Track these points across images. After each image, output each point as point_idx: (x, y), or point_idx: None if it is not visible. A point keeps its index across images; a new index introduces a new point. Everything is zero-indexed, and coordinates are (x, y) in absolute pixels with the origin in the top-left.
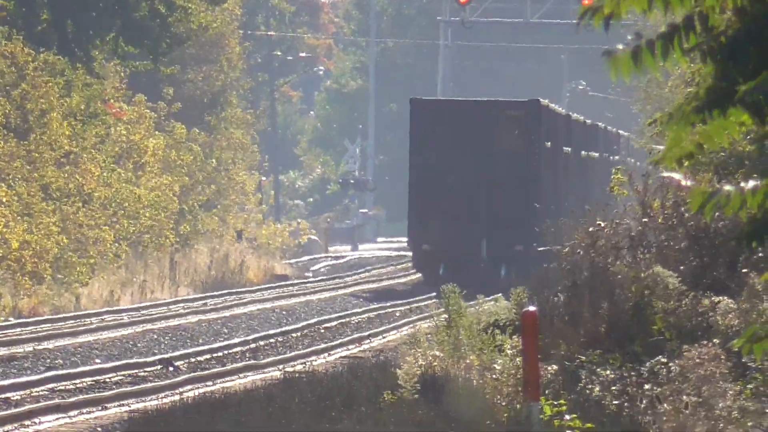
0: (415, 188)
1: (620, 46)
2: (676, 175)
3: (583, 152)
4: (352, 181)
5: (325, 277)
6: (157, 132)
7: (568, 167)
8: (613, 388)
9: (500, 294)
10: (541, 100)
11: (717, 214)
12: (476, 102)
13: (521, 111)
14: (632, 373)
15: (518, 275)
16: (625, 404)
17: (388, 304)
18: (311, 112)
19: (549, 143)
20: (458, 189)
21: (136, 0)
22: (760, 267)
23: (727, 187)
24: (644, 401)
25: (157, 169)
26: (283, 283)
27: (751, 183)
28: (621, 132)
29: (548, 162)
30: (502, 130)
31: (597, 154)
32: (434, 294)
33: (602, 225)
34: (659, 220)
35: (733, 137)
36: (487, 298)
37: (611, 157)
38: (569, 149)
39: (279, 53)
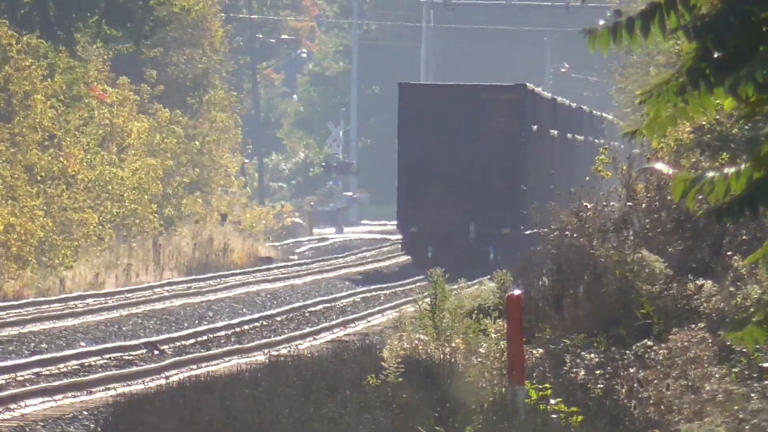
0: (403, 172)
1: (601, 22)
2: (660, 165)
3: (568, 135)
4: (335, 164)
5: (309, 260)
6: (140, 115)
7: (554, 150)
8: (598, 371)
9: (488, 277)
10: (528, 84)
11: (700, 197)
12: (464, 86)
13: (508, 95)
14: (617, 357)
15: (506, 258)
16: (611, 388)
17: (374, 287)
18: (294, 95)
19: (536, 127)
20: (446, 172)
21: None
22: (744, 249)
23: (711, 173)
24: (629, 385)
25: (140, 151)
26: (267, 266)
27: (734, 167)
28: (604, 115)
29: (535, 145)
30: (489, 114)
31: (582, 137)
32: (420, 277)
33: (587, 208)
34: (643, 204)
35: (708, 114)
36: (470, 282)
37: (596, 140)
38: (555, 132)
39: (261, 36)
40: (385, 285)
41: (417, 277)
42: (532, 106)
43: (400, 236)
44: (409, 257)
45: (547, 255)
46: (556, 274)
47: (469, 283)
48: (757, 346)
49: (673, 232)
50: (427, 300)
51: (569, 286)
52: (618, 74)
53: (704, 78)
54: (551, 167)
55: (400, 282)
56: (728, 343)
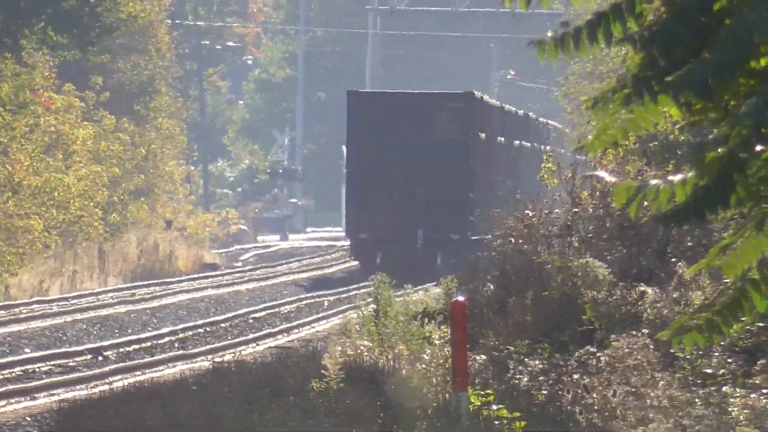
0: (352, 178)
1: (549, 34)
2: (603, 174)
3: (516, 142)
4: (280, 171)
5: (254, 267)
6: (86, 122)
7: (502, 157)
8: (541, 378)
9: (434, 283)
10: (476, 92)
11: (645, 203)
12: (412, 94)
13: (457, 103)
14: (561, 363)
15: (455, 263)
16: (555, 394)
17: (318, 293)
18: (240, 102)
19: (484, 134)
20: (395, 179)
21: None
22: (688, 256)
23: (655, 181)
24: (574, 391)
25: (86, 159)
26: (212, 272)
27: (679, 176)
28: (550, 122)
29: (483, 152)
30: (438, 121)
31: (529, 144)
32: (366, 283)
33: (531, 215)
34: (589, 210)
35: (658, 124)
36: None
37: (543, 147)
38: (503, 139)
39: (207, 42)
40: (330, 291)
41: (362, 284)
42: (481, 114)
43: (346, 243)
44: (355, 263)
45: (491, 261)
46: (500, 280)
47: (415, 288)
48: (699, 352)
49: (617, 239)
50: (372, 306)
51: (513, 292)
52: (563, 80)
53: (649, 87)
54: (499, 174)
55: (345, 288)
56: (671, 350)
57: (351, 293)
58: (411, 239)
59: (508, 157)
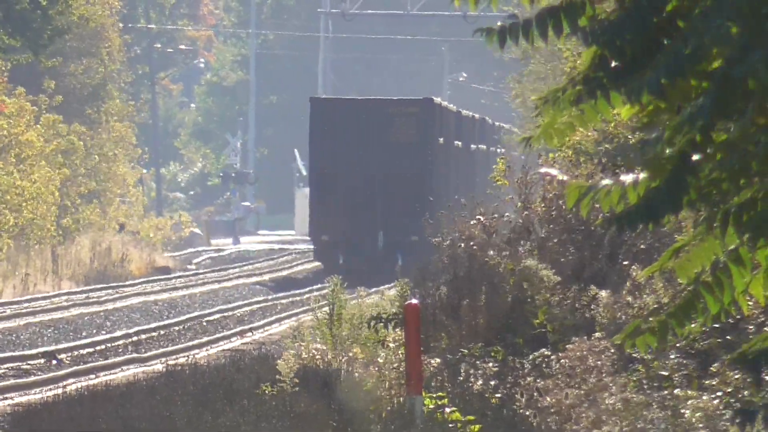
0: (314, 182)
1: (499, 23)
2: (553, 171)
3: (472, 146)
4: (233, 174)
5: (207, 270)
6: (37, 126)
7: (458, 160)
8: (495, 381)
9: (394, 283)
10: (434, 98)
11: (597, 205)
12: (372, 100)
13: (416, 108)
14: (517, 366)
15: (414, 264)
16: (509, 397)
17: (271, 297)
18: (192, 105)
19: (442, 139)
20: (356, 183)
21: None
22: (641, 258)
23: (606, 181)
24: (527, 394)
25: (38, 161)
26: (165, 276)
27: (631, 176)
28: (503, 124)
29: (441, 156)
30: (397, 126)
31: (485, 147)
32: (319, 286)
33: (481, 218)
34: (539, 211)
35: (607, 121)
36: (375, 288)
37: (498, 150)
38: (459, 143)
39: (159, 46)
40: (282, 294)
41: (316, 286)
42: (439, 119)
43: (299, 246)
44: (310, 266)
45: (441, 264)
46: (451, 283)
47: (373, 290)
48: (654, 354)
49: (569, 241)
50: (325, 309)
51: (465, 295)
52: (515, 82)
53: (601, 86)
54: (456, 177)
55: (298, 291)
56: (627, 352)
57: (304, 296)
58: (372, 241)
59: (466, 160)
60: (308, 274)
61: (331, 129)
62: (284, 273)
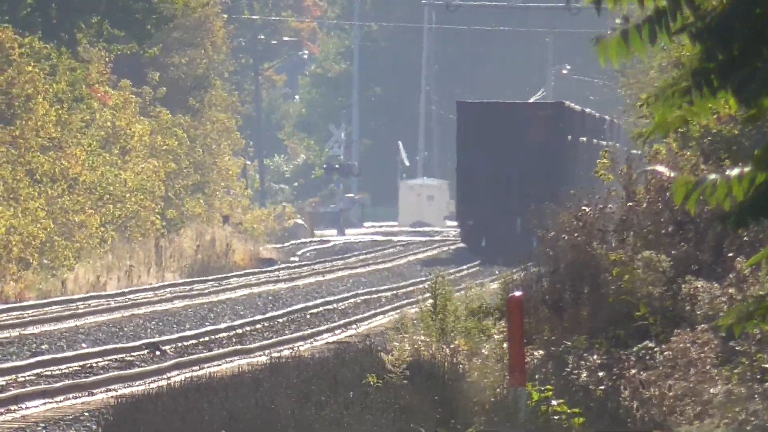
0: (462, 177)
1: (609, 32)
2: (661, 168)
3: (594, 141)
4: (337, 166)
5: (311, 262)
6: (141, 117)
7: (583, 155)
8: (600, 373)
9: (530, 263)
10: (565, 102)
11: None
12: (510, 104)
13: (548, 111)
14: (623, 358)
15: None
16: (613, 389)
17: (375, 289)
18: (296, 97)
19: (569, 136)
20: (498, 177)
21: None
22: (746, 251)
23: (713, 176)
24: (633, 386)
25: (143, 154)
26: (269, 267)
27: (736, 170)
28: (615, 120)
29: (569, 152)
30: (532, 127)
31: (605, 142)
32: (423, 278)
33: (586, 210)
34: (644, 205)
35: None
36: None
37: (616, 144)
38: (584, 139)
39: (263, 37)
40: (387, 287)
41: (419, 279)
42: (567, 119)
43: (403, 238)
44: (408, 260)
45: (546, 256)
46: (555, 275)
47: (474, 283)
48: (754, 347)
49: (674, 234)
50: (430, 301)
51: (568, 287)
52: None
53: (708, 81)
54: (582, 170)
55: (402, 284)
56: (731, 344)
57: (408, 288)
58: (510, 227)
59: (589, 155)
60: (410, 265)
61: (475, 130)
62: (389, 265)
